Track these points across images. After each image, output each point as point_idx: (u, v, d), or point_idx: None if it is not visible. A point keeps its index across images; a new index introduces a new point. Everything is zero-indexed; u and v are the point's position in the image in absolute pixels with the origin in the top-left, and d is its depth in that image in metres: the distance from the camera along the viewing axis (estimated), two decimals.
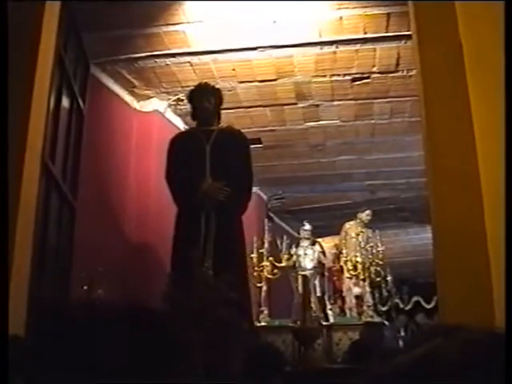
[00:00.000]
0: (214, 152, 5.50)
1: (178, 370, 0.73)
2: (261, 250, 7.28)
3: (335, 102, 7.69)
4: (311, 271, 7.78)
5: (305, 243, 8.61)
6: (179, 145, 5.75)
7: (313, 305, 6.77)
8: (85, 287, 4.55)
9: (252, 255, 7.02)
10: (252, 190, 6.01)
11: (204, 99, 5.69)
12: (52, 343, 0.73)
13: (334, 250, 9.55)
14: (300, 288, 6.90)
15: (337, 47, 6.42)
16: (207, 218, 5.26)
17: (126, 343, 0.71)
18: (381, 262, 8.05)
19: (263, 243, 7.40)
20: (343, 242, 9.24)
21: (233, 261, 5.18)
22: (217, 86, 6.13)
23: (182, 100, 7.49)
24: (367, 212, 9.54)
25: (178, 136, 6.09)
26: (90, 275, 4.74)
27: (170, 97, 7.51)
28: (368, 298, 8.14)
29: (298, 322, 6.18)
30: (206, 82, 6.05)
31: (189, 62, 6.69)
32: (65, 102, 4.50)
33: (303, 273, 7.48)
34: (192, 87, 6.70)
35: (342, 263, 8.65)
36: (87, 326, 0.73)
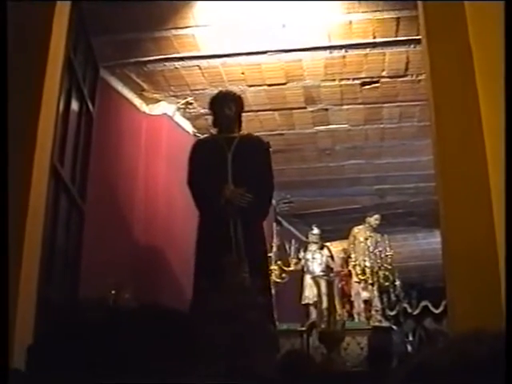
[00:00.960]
0: (235, 159, 5.53)
1: (196, 371, 0.73)
2: (269, 254, 7.27)
3: (344, 106, 7.69)
4: (328, 276, 7.80)
5: (313, 247, 8.63)
6: (201, 151, 5.74)
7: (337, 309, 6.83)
8: (112, 292, 4.62)
9: None
10: (273, 196, 6.08)
11: (225, 106, 5.67)
12: (73, 344, 0.73)
13: (342, 255, 9.55)
14: (324, 292, 6.92)
15: (346, 51, 6.42)
16: (234, 224, 5.30)
17: (147, 344, 0.71)
18: (389, 267, 8.04)
19: (271, 247, 7.41)
20: (352, 246, 9.21)
21: (260, 265, 5.27)
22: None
23: (191, 103, 7.51)
24: (376, 216, 9.50)
25: (200, 142, 6.08)
26: (118, 280, 4.83)
27: (179, 100, 7.52)
28: (376, 303, 8.13)
29: (323, 326, 6.24)
30: (227, 90, 6.10)
31: (198, 66, 6.70)
32: (74, 105, 4.51)
33: (327, 278, 7.49)
34: (201, 91, 6.78)
35: (350, 267, 8.66)
36: (108, 327, 0.73)
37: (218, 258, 4.82)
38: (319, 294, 7.21)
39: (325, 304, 6.61)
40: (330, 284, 6.86)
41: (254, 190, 5.36)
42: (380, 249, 8.35)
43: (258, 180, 5.47)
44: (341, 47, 6.36)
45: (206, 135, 6.50)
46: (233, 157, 5.54)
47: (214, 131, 5.97)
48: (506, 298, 2.71)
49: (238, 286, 4.30)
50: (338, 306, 7.11)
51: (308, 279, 8.52)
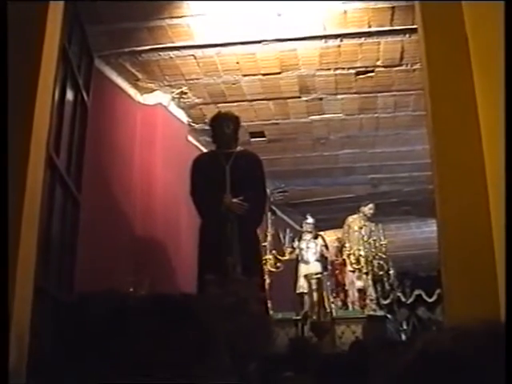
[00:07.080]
0: (233, 172, 6.08)
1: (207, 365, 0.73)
2: (264, 244, 7.30)
3: (339, 96, 7.69)
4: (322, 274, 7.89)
5: (307, 236, 8.65)
6: (202, 165, 6.30)
7: (326, 303, 7.05)
8: (131, 289, 4.93)
9: None
10: (266, 205, 6.72)
11: (224, 125, 6.24)
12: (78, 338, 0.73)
13: (336, 244, 9.58)
14: (314, 288, 7.08)
15: (341, 41, 6.41)
16: (231, 229, 5.86)
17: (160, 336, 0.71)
18: (383, 256, 8.08)
19: (266, 236, 7.43)
20: (346, 235, 9.23)
21: (255, 265, 5.92)
22: (221, 80, 6.38)
23: (186, 93, 7.49)
24: (370, 206, 9.52)
25: (201, 157, 6.73)
26: (135, 277, 5.15)
27: (174, 90, 7.50)
28: (371, 292, 8.16)
29: (314, 317, 6.49)
30: (226, 111, 6.73)
31: (193, 55, 6.68)
32: (69, 95, 4.49)
33: (317, 276, 7.56)
34: (195, 81, 6.88)
35: (344, 257, 8.68)
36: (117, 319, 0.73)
37: (219, 258, 5.52)
38: (310, 290, 7.30)
39: (315, 298, 6.78)
40: (319, 281, 7.09)
41: (250, 199, 5.95)
42: (374, 238, 8.39)
43: (253, 191, 6.04)
44: (336, 36, 6.36)
45: (206, 151, 7.26)
46: (230, 170, 6.10)
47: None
48: (506, 291, 2.72)
49: (235, 282, 4.65)
50: (326, 300, 7.20)
51: (302, 269, 8.55)
